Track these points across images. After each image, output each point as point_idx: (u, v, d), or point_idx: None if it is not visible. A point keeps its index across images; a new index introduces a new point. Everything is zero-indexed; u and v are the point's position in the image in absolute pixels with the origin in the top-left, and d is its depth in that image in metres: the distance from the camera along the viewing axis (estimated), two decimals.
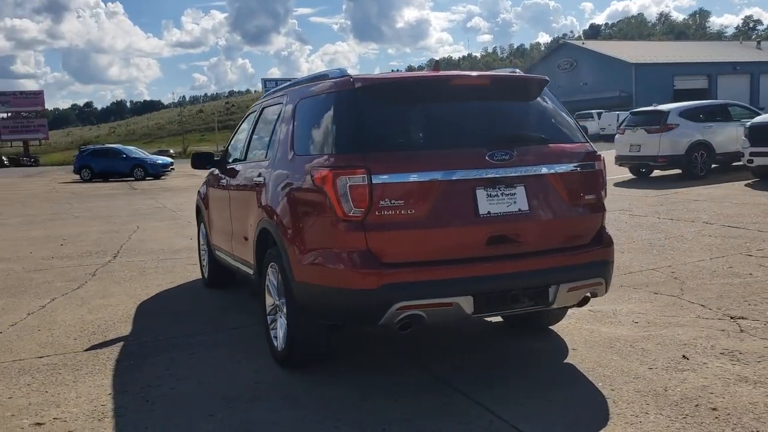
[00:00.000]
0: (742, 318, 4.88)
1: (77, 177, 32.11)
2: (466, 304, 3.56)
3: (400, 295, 3.47)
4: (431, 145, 3.79)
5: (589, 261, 3.90)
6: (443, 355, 4.50)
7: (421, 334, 4.84)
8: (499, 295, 3.65)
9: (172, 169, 33.42)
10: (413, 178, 3.55)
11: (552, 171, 3.84)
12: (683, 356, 4.18)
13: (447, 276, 3.55)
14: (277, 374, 4.17)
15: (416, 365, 4.28)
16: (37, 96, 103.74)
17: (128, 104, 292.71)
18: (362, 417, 3.49)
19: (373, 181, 3.48)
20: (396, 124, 3.84)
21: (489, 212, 3.64)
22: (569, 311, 5.22)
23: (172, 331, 5.26)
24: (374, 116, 3.77)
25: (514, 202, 3.70)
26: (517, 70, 4.52)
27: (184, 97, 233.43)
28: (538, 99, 4.16)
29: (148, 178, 31.09)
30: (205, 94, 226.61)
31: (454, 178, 3.60)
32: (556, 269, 3.76)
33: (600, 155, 4.09)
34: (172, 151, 69.54)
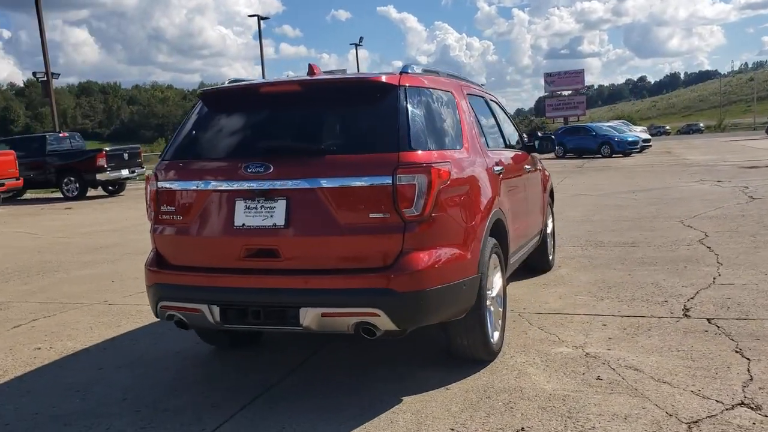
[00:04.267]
0: None
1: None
2: (212, 313, 3.54)
3: (162, 295, 3.72)
4: (206, 155, 3.83)
5: (356, 287, 3.30)
6: (351, 363, 4.24)
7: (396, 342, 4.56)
8: (241, 309, 3.51)
9: (644, 146, 32.28)
10: (178, 186, 3.74)
11: (321, 185, 3.38)
12: (521, 429, 3.11)
13: (194, 283, 3.63)
14: (198, 351, 4.66)
15: (291, 372, 4.17)
16: (578, 75, 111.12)
17: (682, 76, 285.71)
18: (144, 406, 3.73)
19: (158, 187, 3.78)
20: (197, 133, 3.94)
21: (244, 224, 3.53)
22: (572, 348, 4.18)
23: None
24: (193, 125, 3.97)
25: (271, 216, 3.47)
26: (346, 70, 3.88)
27: (746, 64, 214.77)
28: (360, 104, 3.64)
29: (615, 155, 30.81)
30: None
31: (210, 189, 3.63)
32: (304, 291, 3.37)
33: (422, 167, 3.36)
34: (667, 126, 66.06)
